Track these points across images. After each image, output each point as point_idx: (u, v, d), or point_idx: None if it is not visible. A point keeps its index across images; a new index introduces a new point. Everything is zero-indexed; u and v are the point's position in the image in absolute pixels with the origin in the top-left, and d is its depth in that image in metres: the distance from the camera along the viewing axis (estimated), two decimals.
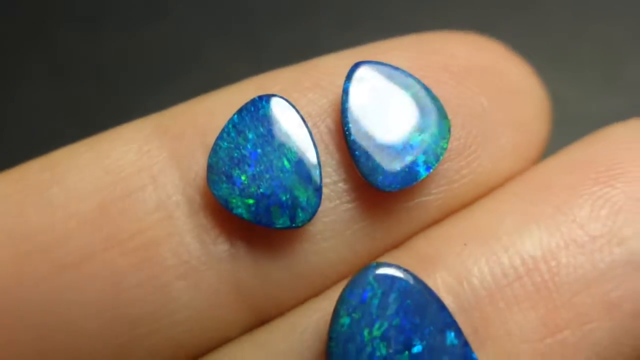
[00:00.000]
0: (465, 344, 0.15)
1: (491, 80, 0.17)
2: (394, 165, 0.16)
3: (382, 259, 0.16)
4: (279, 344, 0.16)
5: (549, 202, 0.16)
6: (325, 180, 0.16)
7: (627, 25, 0.34)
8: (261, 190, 0.15)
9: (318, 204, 0.15)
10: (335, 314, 0.15)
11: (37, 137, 0.25)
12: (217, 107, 0.16)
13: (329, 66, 0.16)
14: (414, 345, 0.15)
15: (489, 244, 0.16)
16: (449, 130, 0.16)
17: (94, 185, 0.15)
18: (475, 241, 0.16)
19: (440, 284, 0.16)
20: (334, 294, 0.16)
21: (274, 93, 0.16)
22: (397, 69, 0.16)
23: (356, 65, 0.16)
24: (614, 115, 0.19)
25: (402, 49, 0.17)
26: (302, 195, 0.15)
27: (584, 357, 0.16)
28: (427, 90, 0.16)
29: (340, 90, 0.16)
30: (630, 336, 0.16)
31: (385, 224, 0.16)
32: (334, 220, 0.16)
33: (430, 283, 0.16)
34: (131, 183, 0.16)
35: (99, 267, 0.15)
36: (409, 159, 0.16)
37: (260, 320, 0.16)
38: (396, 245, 0.17)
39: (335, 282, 0.16)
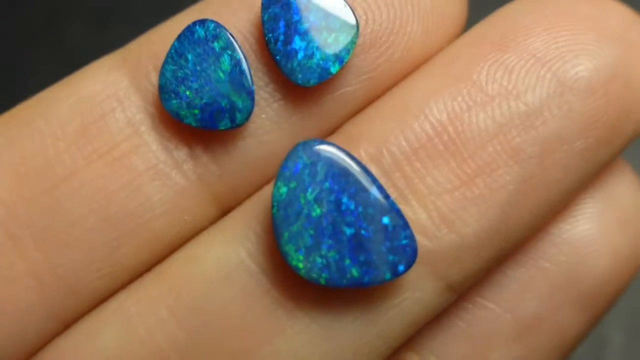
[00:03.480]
0: (387, 196, 0.18)
1: None
2: (310, 63, 0.19)
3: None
4: (238, 227, 0.19)
5: (453, 73, 0.18)
6: (257, 84, 0.19)
7: None
8: (204, 100, 0.19)
9: (252, 105, 0.19)
10: (275, 186, 0.18)
11: None
12: (166, 34, 0.19)
13: None
14: (343, 203, 0.18)
15: (403, 116, 0.18)
16: (357, 26, 0.19)
17: (72, 113, 0.19)
18: (391, 116, 0.19)
19: (364, 155, 0.18)
20: None
21: (207, 17, 0.19)
22: None
23: None
24: None
25: None
26: (238, 100, 0.19)
27: (496, 200, 0.18)
28: None
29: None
30: (538, 180, 0.18)
31: (315, 113, 0.19)
32: (270, 116, 0.19)
33: (356, 155, 0.18)
34: (102, 107, 0.19)
35: (86, 178, 0.19)
36: (321, 56, 0.19)
37: (225, 210, 0.19)
38: (330, 132, 0.19)
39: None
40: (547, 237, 0.20)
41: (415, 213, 0.18)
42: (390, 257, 0.17)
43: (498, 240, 0.18)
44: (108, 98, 0.19)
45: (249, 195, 0.19)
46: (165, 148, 0.19)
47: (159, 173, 0.19)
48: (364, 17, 0.19)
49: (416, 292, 0.18)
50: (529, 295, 0.20)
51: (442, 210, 0.18)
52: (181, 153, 0.19)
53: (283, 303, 0.18)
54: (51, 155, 0.19)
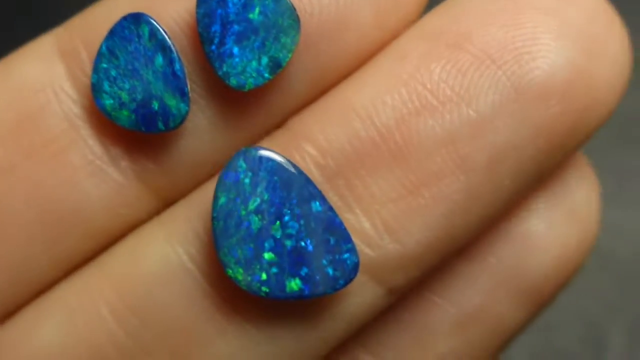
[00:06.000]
0: (330, 209, 0.17)
1: None
2: (245, 68, 0.18)
3: (261, 140, 0.19)
4: (179, 225, 0.18)
5: (403, 72, 0.18)
6: (194, 81, 0.18)
7: None
8: (136, 102, 0.18)
9: (186, 108, 0.18)
10: (215, 196, 0.17)
11: None
12: (99, 23, 0.18)
13: None
14: (284, 215, 0.17)
15: (349, 118, 0.18)
16: (299, 25, 0.18)
17: (8, 103, 0.18)
18: (337, 117, 0.18)
19: (308, 159, 0.18)
20: None
21: (139, 10, 0.18)
22: None
23: None
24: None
25: None
26: (172, 102, 0.18)
27: (441, 210, 0.17)
28: None
29: None
30: (485, 189, 0.18)
31: (255, 112, 0.18)
32: (208, 115, 0.18)
33: (299, 158, 0.18)
34: (39, 99, 0.18)
35: (22, 175, 0.18)
36: (257, 61, 0.18)
37: (167, 201, 0.19)
38: (275, 127, 0.19)
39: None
40: (495, 233, 0.20)
41: (358, 221, 0.18)
42: (331, 272, 0.17)
43: (442, 248, 0.18)
44: (44, 89, 0.18)
45: (192, 188, 0.19)
46: (101, 144, 0.18)
47: (95, 170, 0.18)
48: (310, 7, 0.18)
49: (357, 297, 0.18)
50: (473, 289, 0.20)
51: (385, 220, 0.18)
52: (118, 150, 0.18)
53: (222, 307, 0.18)
54: None
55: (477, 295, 0.20)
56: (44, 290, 0.19)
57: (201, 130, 0.18)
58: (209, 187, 0.19)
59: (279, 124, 0.19)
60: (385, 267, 0.18)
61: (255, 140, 0.19)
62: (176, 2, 0.18)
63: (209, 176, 0.19)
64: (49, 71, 0.18)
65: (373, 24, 0.18)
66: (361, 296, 0.18)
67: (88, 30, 0.18)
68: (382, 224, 0.18)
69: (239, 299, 0.18)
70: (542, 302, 0.20)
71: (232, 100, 0.18)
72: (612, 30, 0.18)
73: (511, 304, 0.20)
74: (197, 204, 0.18)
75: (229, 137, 0.19)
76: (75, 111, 0.18)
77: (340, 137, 0.18)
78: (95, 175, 0.18)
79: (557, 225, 0.20)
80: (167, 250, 0.18)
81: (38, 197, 0.18)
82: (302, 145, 0.18)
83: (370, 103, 0.18)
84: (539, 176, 0.18)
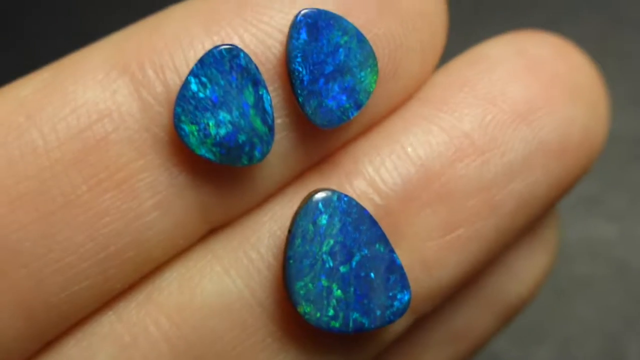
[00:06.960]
0: (391, 251, 0.19)
1: (397, 7, 0.19)
2: (332, 108, 0.18)
3: (311, 174, 0.19)
4: (236, 257, 0.18)
5: (447, 119, 0.19)
6: (276, 119, 0.18)
7: None
8: (222, 135, 0.17)
9: (271, 144, 0.18)
10: (292, 236, 0.18)
11: None
12: (170, 42, 0.17)
13: None
14: (355, 255, 0.18)
15: (402, 159, 0.19)
16: (377, 67, 0.18)
17: (71, 129, 0.17)
18: (389, 155, 0.19)
19: (362, 195, 0.19)
20: (278, 207, 0.19)
21: (211, 35, 0.17)
22: (333, 15, 0.18)
23: (299, 13, 0.18)
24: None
25: None
26: (258, 137, 0.17)
27: (472, 249, 0.20)
28: (359, 33, 0.18)
29: (283, 28, 0.18)
30: (508, 231, 0.20)
31: (321, 147, 0.19)
32: (283, 148, 0.18)
33: (354, 195, 0.19)
34: (105, 126, 0.17)
35: (85, 206, 0.17)
36: (343, 102, 0.18)
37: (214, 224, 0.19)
38: (323, 159, 0.19)
39: (274, 194, 0.19)
40: None
41: (401, 257, 0.19)
42: (389, 307, 0.19)
43: (465, 280, 0.20)
44: (111, 114, 0.17)
45: (240, 216, 0.19)
46: (170, 174, 0.17)
47: (161, 201, 0.17)
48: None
49: (393, 326, 0.20)
50: (463, 310, 0.23)
51: (425, 256, 0.20)
52: (185, 179, 0.18)
53: (279, 337, 0.19)
54: (48, 178, 0.16)
55: (466, 315, 0.23)
56: (84, 320, 0.18)
57: (273, 164, 0.18)
58: (263, 219, 0.19)
59: (325, 157, 0.20)
60: (419, 298, 0.20)
61: (304, 171, 0.19)
62: (251, 31, 0.18)
63: (259, 205, 0.19)
64: (113, 94, 0.17)
65: (419, 70, 0.20)
66: (397, 325, 0.20)
67: (157, 50, 0.17)
68: (422, 260, 0.20)
69: (294, 329, 0.19)
70: (513, 317, 0.24)
71: (306, 134, 0.19)
72: (604, 93, 0.21)
73: (493, 321, 0.23)
74: (253, 236, 0.19)
75: (292, 170, 0.19)
76: (143, 138, 0.17)
77: (396, 179, 0.19)
78: (161, 207, 0.17)
79: (534, 254, 0.23)
80: (226, 283, 0.18)
81: (99, 228, 0.17)
82: (356, 184, 0.19)
83: (420, 147, 0.19)
84: (541, 218, 0.21)
